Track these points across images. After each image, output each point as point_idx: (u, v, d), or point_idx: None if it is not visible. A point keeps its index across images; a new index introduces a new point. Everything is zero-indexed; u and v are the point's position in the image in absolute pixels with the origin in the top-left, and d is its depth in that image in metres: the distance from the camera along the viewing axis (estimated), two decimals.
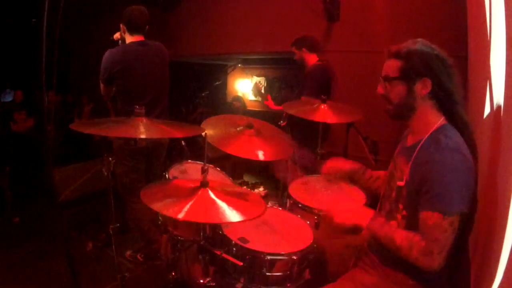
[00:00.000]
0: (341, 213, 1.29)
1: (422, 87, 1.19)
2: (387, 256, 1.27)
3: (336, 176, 1.78)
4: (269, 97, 3.24)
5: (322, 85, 2.87)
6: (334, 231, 1.45)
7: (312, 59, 3.05)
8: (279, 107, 2.97)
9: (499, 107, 1.27)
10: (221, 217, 1.18)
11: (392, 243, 1.17)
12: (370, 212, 1.28)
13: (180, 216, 1.13)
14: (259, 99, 3.35)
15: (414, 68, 1.18)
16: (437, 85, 1.18)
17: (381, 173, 1.64)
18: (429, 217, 1.10)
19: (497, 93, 1.33)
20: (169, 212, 1.16)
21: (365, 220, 1.25)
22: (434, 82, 1.18)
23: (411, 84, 1.20)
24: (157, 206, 1.19)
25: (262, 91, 3.37)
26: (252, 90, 3.22)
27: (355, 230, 1.36)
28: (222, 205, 1.21)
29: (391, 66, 1.23)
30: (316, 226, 1.70)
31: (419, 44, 1.20)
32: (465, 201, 1.10)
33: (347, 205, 1.35)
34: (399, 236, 1.16)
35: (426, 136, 1.21)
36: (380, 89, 1.29)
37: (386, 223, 1.22)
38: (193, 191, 1.26)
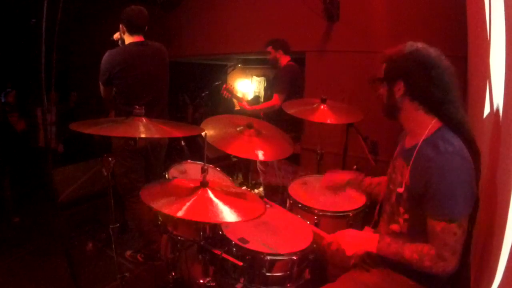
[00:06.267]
0: (350, 246, 1.30)
1: (397, 89, 1.24)
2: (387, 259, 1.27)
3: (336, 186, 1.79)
4: (243, 99, 3.38)
5: (293, 83, 3.16)
6: (346, 263, 1.45)
7: (285, 60, 3.31)
8: (254, 107, 3.31)
9: (499, 107, 1.27)
10: (220, 216, 1.18)
11: (402, 259, 1.18)
12: (376, 236, 1.29)
13: (180, 214, 1.14)
14: (235, 101, 3.47)
15: (391, 70, 1.25)
16: (411, 88, 1.22)
17: (381, 179, 1.64)
18: (436, 224, 1.12)
19: (497, 93, 1.33)
20: (168, 210, 1.17)
21: (373, 245, 1.26)
22: (407, 84, 1.22)
23: (391, 85, 1.26)
24: (156, 205, 1.20)
25: (238, 93, 3.46)
26: (226, 90, 3.26)
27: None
28: (221, 205, 1.22)
29: (380, 68, 1.31)
30: (316, 226, 1.70)
31: (405, 47, 1.23)
32: (469, 203, 1.12)
33: (351, 235, 1.34)
34: (408, 251, 1.17)
35: (422, 139, 1.22)
36: (376, 89, 1.35)
37: (393, 241, 1.23)
38: (192, 191, 1.26)
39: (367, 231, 1.57)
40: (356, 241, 1.30)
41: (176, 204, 1.19)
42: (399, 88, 1.24)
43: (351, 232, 1.35)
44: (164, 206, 1.19)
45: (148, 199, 1.22)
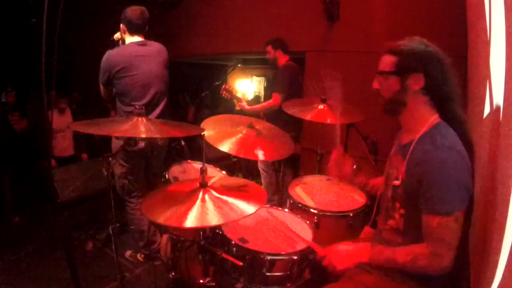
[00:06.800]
0: (341, 260, 1.29)
1: (414, 82, 1.21)
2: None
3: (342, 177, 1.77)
4: (242, 99, 3.38)
5: (292, 83, 3.17)
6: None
7: (284, 59, 3.32)
8: (254, 107, 3.30)
9: (499, 107, 1.27)
10: (226, 216, 1.16)
11: (396, 264, 1.17)
12: (367, 246, 1.28)
13: (187, 224, 1.10)
14: (235, 101, 3.48)
15: (407, 63, 1.21)
16: (429, 81, 1.20)
17: (383, 179, 1.64)
18: (431, 219, 1.11)
19: (497, 93, 1.33)
20: (174, 222, 1.14)
21: (365, 255, 1.25)
22: (427, 78, 1.20)
23: (404, 79, 1.22)
24: (161, 219, 1.16)
25: (238, 94, 3.47)
26: (225, 90, 3.26)
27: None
28: (225, 202, 1.21)
29: (386, 61, 1.26)
30: (316, 226, 1.70)
31: (414, 41, 1.22)
32: (464, 199, 1.11)
33: (342, 250, 1.32)
34: (400, 254, 1.16)
35: (420, 134, 1.22)
36: (375, 84, 1.31)
37: (384, 249, 1.22)
38: (193, 194, 1.24)
39: (367, 231, 1.57)
40: (347, 256, 1.28)
41: (180, 214, 1.15)
42: (415, 82, 1.21)
43: (342, 247, 1.33)
44: (169, 219, 1.15)
45: (151, 214, 1.18)
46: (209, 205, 1.20)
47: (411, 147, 1.22)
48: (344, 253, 1.30)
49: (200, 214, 1.15)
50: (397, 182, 1.25)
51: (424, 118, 1.24)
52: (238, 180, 1.58)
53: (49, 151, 2.20)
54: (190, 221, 1.11)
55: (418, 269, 1.13)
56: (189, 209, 1.16)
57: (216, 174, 2.08)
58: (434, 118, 1.23)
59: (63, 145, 4.41)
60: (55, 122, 4.27)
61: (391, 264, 1.19)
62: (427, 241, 1.12)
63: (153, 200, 1.31)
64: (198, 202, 1.20)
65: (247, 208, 1.19)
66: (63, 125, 4.32)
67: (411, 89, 1.22)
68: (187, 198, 1.23)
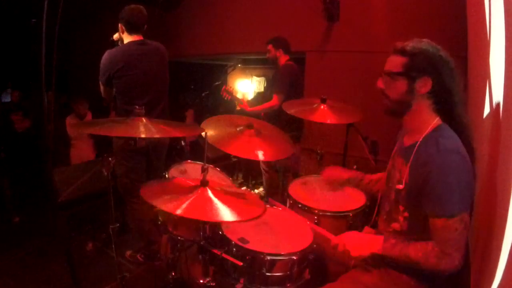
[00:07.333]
0: (356, 248, 1.28)
1: (423, 85, 1.20)
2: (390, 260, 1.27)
3: (335, 182, 1.78)
4: (243, 100, 3.37)
5: (292, 83, 3.16)
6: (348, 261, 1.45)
7: (284, 59, 3.31)
8: (255, 108, 3.28)
9: (498, 107, 1.27)
10: (219, 216, 1.18)
11: (408, 259, 1.17)
12: (380, 237, 1.27)
13: (179, 212, 1.14)
14: (236, 102, 3.47)
15: (417, 65, 1.18)
16: (438, 85, 1.18)
17: (380, 175, 1.64)
18: (436, 222, 1.12)
19: (497, 93, 1.33)
20: (167, 208, 1.17)
21: (378, 246, 1.24)
22: (435, 82, 1.18)
23: (412, 81, 1.20)
24: (156, 202, 1.20)
25: (238, 95, 3.45)
26: (226, 91, 3.25)
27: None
28: (221, 204, 1.22)
29: (395, 62, 1.23)
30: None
31: (424, 43, 1.20)
32: (468, 201, 1.11)
33: (356, 237, 1.32)
34: (413, 250, 1.16)
35: (422, 137, 1.22)
36: (380, 83, 1.29)
37: (398, 242, 1.21)
38: (192, 190, 1.26)
39: (367, 231, 1.57)
40: (362, 243, 1.28)
41: (175, 202, 1.19)
42: (424, 85, 1.19)
43: (355, 234, 1.33)
44: (164, 204, 1.19)
45: (148, 196, 1.22)
46: (204, 202, 1.22)
47: (414, 149, 1.22)
48: (358, 240, 1.30)
49: (192, 207, 1.17)
50: (400, 186, 1.25)
51: (427, 120, 1.23)
52: (239, 189, 1.59)
53: (49, 151, 2.19)
54: (181, 211, 1.14)
55: (428, 265, 1.13)
56: (184, 200, 1.19)
57: (217, 175, 2.08)
58: (436, 121, 1.22)
59: (82, 153, 4.13)
60: (71, 128, 4.07)
61: (403, 258, 1.18)
62: (435, 242, 1.13)
63: (153, 186, 1.35)
64: (194, 197, 1.22)
65: (238, 215, 1.20)
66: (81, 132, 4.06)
67: (419, 92, 1.20)
68: (185, 191, 1.25)
